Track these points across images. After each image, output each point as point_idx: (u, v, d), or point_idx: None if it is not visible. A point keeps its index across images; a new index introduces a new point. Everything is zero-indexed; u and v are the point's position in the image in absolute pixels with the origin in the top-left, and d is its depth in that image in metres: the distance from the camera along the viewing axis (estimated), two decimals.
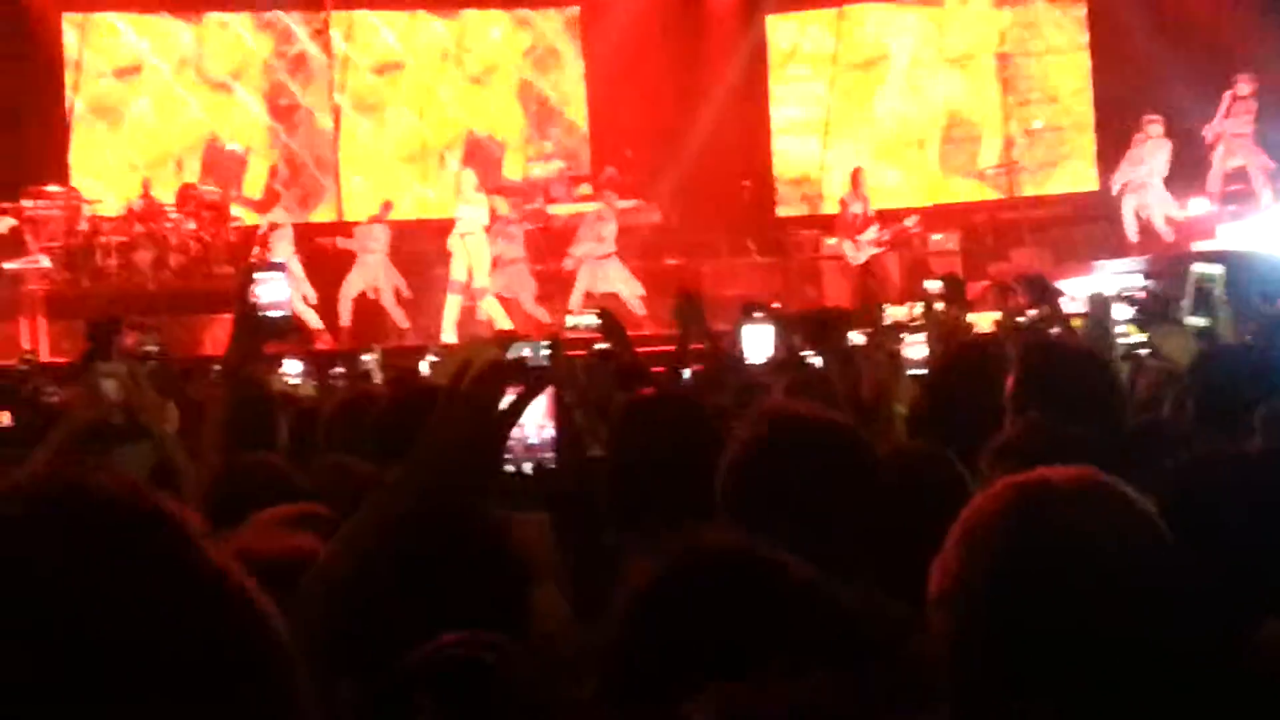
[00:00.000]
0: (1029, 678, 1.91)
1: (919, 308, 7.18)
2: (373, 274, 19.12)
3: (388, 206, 19.77)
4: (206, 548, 1.38)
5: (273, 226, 19.09)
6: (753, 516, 2.81)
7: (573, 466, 2.36)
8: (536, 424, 2.59)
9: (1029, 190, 21.60)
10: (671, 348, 7.33)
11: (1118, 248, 18.31)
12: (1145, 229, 18.45)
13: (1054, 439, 3.50)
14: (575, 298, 18.79)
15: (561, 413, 2.48)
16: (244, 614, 1.37)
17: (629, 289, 18.94)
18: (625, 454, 3.67)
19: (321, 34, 22.26)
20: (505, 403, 2.21)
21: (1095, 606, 1.91)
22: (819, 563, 2.12)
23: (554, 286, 18.92)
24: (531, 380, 2.22)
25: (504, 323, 18.43)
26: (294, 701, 1.38)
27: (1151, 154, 18.42)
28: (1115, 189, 18.80)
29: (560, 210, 20.70)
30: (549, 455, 2.63)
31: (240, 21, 22.28)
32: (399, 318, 19.07)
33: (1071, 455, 2.21)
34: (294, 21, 22.40)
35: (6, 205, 17.89)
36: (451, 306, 18.81)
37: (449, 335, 18.47)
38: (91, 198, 19.94)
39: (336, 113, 22.22)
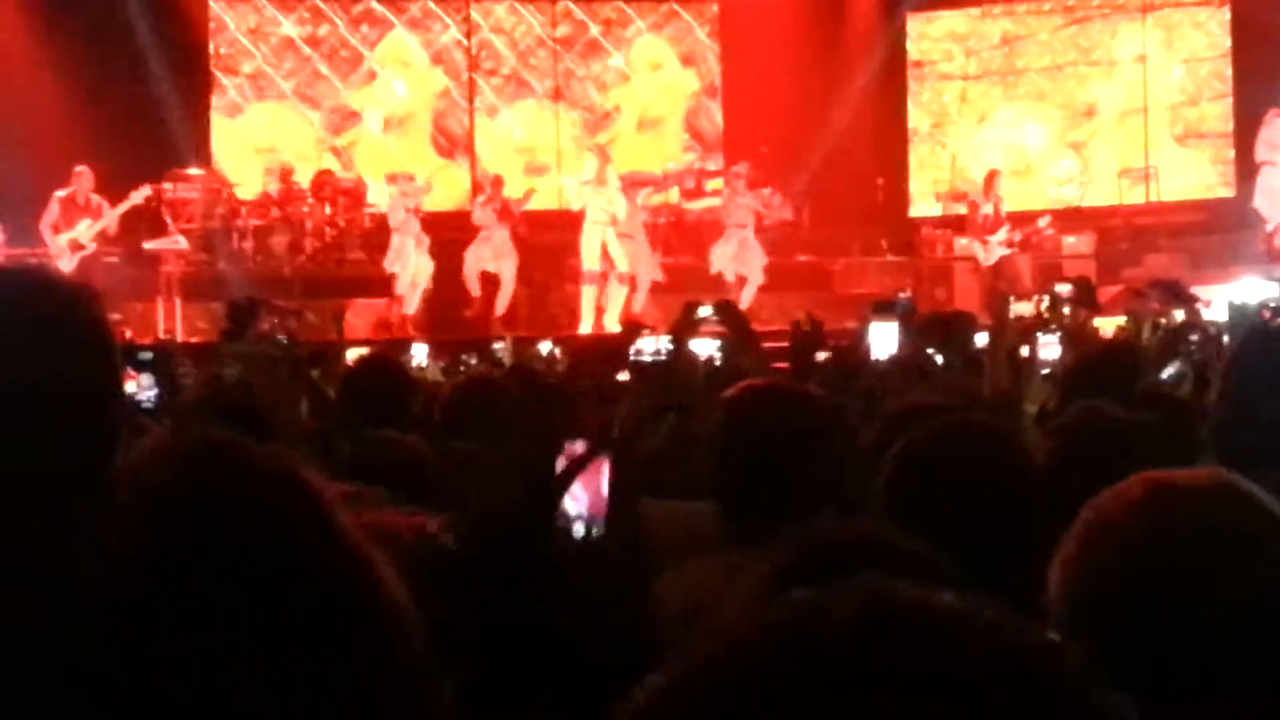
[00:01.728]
0: (1158, 681, 1.88)
1: (1046, 303, 7.11)
2: (495, 254, 19.11)
3: (529, 194, 19.81)
4: (341, 517, 1.42)
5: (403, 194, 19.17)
6: (911, 518, 2.81)
7: (624, 540, 2.30)
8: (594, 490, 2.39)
9: (1167, 196, 21.33)
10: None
11: (1255, 256, 18.01)
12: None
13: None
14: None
15: (618, 480, 2.39)
16: (370, 580, 1.40)
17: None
18: (736, 444, 3.64)
19: (464, 20, 22.41)
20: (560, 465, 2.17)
21: (1224, 609, 1.88)
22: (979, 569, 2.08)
23: (682, 279, 18.90)
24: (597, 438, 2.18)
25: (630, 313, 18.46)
26: (411, 665, 1.41)
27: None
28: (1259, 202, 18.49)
29: (693, 205, 20.72)
30: (597, 524, 2.47)
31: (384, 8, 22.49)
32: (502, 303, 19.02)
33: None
34: (434, 7, 22.56)
35: (147, 185, 18.16)
36: (586, 297, 18.88)
37: (586, 325, 18.52)
38: (232, 181, 20.27)
39: (471, 95, 22.40)
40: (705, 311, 6.55)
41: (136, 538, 1.36)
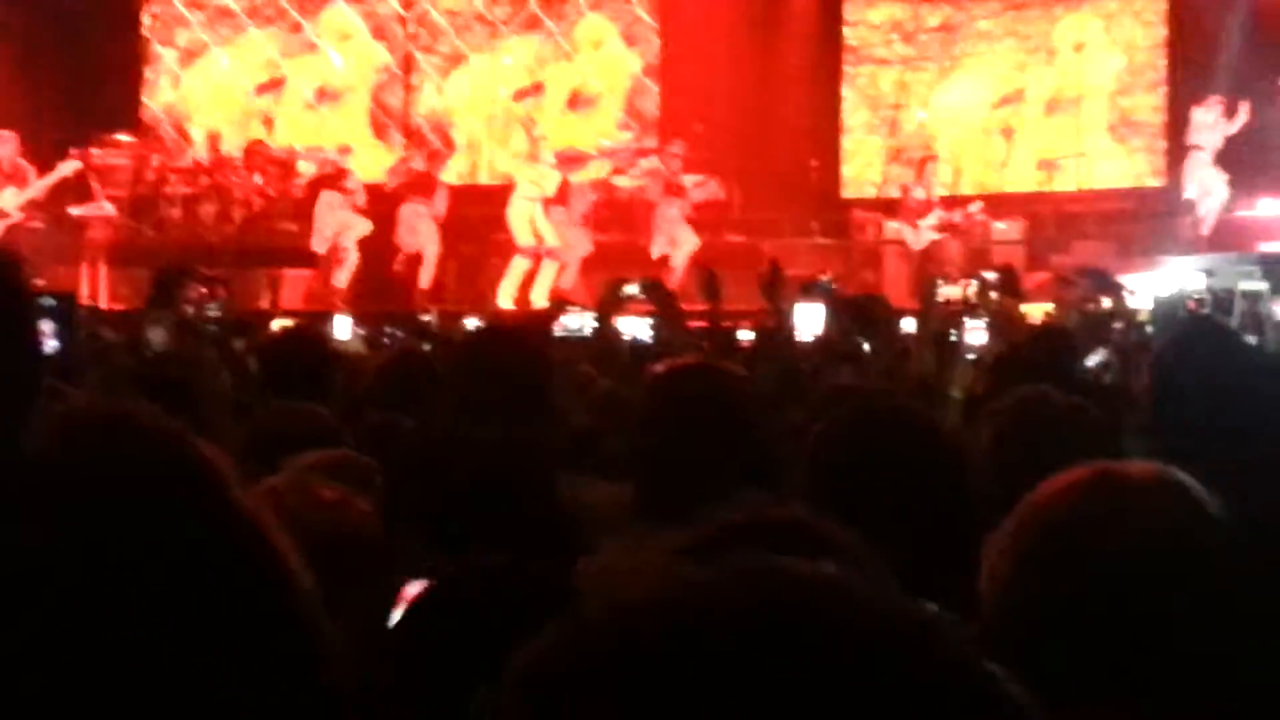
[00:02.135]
0: (1080, 667, 1.87)
1: (974, 287, 7.14)
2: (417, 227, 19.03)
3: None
4: (237, 494, 1.40)
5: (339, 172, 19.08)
6: (831, 500, 2.80)
7: None
8: None
9: (1097, 184, 21.45)
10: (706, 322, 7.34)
11: (1183, 244, 18.16)
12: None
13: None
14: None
15: None
16: (266, 560, 1.38)
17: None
18: (660, 422, 3.63)
19: None
20: None
21: (1164, 605, 1.89)
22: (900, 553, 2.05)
23: (612, 257, 18.88)
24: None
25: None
26: (310, 646, 1.39)
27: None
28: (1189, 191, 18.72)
29: (624, 182, 20.70)
30: None
31: None
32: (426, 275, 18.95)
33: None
34: None
35: (75, 152, 18.00)
36: (513, 271, 18.86)
37: (505, 300, 18.52)
38: (161, 148, 20.13)
39: (408, 69, 22.31)
40: (631, 289, 6.56)
41: (26, 514, 1.34)
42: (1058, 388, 4.27)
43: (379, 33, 22.53)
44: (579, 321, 5.87)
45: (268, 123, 21.89)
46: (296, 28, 22.35)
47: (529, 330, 4.45)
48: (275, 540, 1.40)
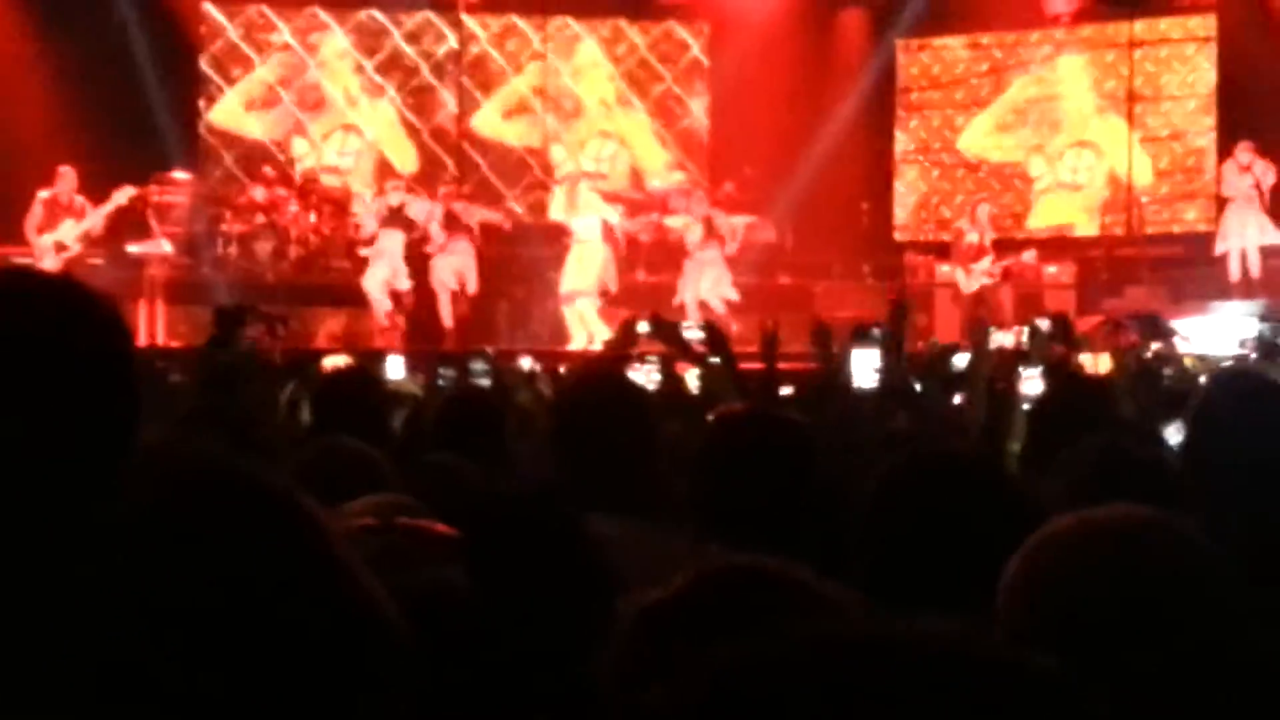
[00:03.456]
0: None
1: (1027, 334, 7.14)
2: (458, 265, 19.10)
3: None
4: (338, 541, 1.46)
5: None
6: (890, 549, 2.81)
7: None
8: None
9: (1149, 228, 21.44)
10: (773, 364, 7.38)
11: (1235, 289, 18.13)
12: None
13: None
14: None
15: None
16: (364, 603, 1.44)
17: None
18: (715, 470, 3.66)
19: (454, 26, 22.48)
20: None
21: (1146, 645, 1.89)
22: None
23: (665, 297, 18.93)
24: None
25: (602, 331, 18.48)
26: (400, 683, 1.45)
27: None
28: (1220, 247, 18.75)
29: (675, 222, 20.76)
30: None
31: (380, 16, 22.51)
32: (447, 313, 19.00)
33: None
34: (434, 18, 22.61)
35: (132, 187, 18.17)
36: (570, 313, 18.94)
37: (578, 341, 18.53)
38: (221, 185, 20.33)
39: (462, 110, 22.46)
40: (643, 329, 6.62)
41: (138, 560, 1.39)
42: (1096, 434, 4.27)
43: (437, 71, 22.68)
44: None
45: (333, 170, 22.01)
46: (357, 68, 22.53)
47: (629, 385, 4.42)
48: (374, 591, 1.46)
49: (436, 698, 2.18)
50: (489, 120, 22.74)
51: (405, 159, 22.45)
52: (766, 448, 3.61)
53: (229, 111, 22.05)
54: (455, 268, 18.76)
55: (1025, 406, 5.49)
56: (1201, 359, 8.85)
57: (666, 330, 7.01)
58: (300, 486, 3.57)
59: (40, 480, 1.69)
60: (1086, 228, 22.00)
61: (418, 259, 18.80)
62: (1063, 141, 22.50)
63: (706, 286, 19.09)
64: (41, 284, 1.93)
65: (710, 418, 4.10)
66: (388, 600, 1.48)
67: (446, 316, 18.77)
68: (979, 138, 22.90)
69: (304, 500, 1.48)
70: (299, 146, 21.97)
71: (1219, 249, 18.79)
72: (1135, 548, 1.95)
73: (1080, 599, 1.92)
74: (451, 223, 18.85)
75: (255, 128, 22.04)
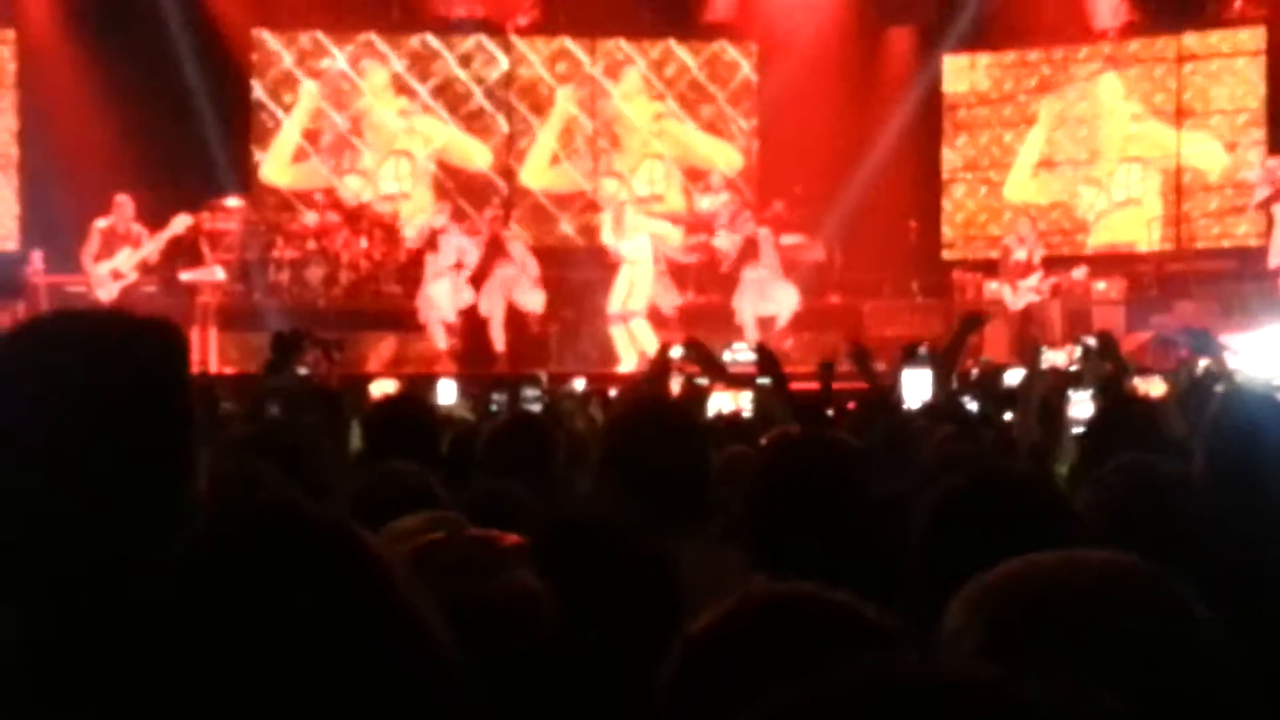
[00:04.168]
0: None
1: (1079, 352, 7.12)
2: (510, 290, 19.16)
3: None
4: (400, 581, 1.48)
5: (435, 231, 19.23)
6: (949, 572, 2.81)
7: None
8: None
9: (1199, 243, 21.38)
10: (818, 384, 7.40)
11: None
12: None
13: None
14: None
15: None
16: (425, 641, 1.46)
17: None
18: (768, 493, 3.68)
19: (509, 54, 22.59)
20: None
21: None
22: None
23: (714, 319, 18.96)
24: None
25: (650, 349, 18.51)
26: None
27: None
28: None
29: (724, 243, 20.78)
30: None
31: (434, 41, 22.61)
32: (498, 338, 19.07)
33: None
34: (487, 43, 22.71)
35: (188, 214, 18.31)
36: (619, 334, 19.00)
37: (628, 364, 18.59)
38: (273, 211, 20.46)
39: (514, 133, 22.58)
40: (676, 353, 6.65)
41: (193, 594, 1.42)
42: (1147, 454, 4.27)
43: (489, 95, 22.78)
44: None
45: (389, 198, 22.10)
46: (409, 92, 22.64)
47: (684, 407, 4.46)
48: (435, 629, 1.49)
49: (516, 702, 2.21)
50: (536, 171, 22.80)
51: (478, 159, 22.49)
52: (819, 471, 3.63)
53: (277, 166, 22.15)
54: (502, 292, 18.83)
55: (1076, 430, 5.47)
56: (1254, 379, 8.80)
57: (700, 353, 7.04)
58: (355, 511, 3.58)
59: (104, 510, 1.73)
60: (1150, 243, 21.87)
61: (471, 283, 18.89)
62: (1109, 163, 22.41)
63: (762, 304, 19.14)
64: (102, 319, 1.96)
65: (763, 441, 4.12)
66: (447, 635, 1.51)
67: (497, 341, 18.84)
68: (1022, 185, 22.82)
69: (362, 536, 1.51)
70: (353, 182, 22.06)
71: (1273, 263, 18.68)
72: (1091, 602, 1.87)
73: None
74: (496, 248, 18.94)
75: (301, 177, 22.14)
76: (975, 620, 1.89)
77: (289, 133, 22.16)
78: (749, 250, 19.48)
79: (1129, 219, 22.21)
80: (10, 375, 1.87)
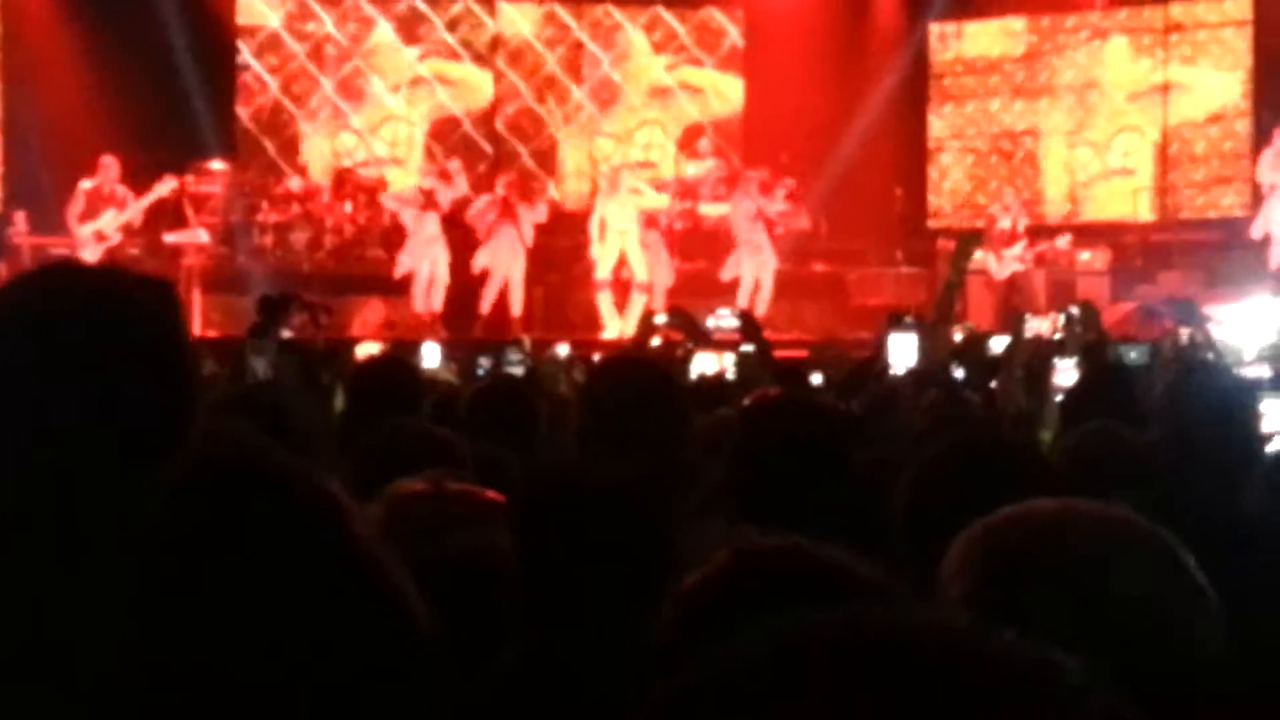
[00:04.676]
0: None
1: (1063, 320, 7.14)
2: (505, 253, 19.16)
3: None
4: (363, 530, 1.49)
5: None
6: (932, 537, 2.81)
7: None
8: None
9: (1185, 213, 21.41)
10: (803, 352, 7.43)
11: (1268, 276, 18.05)
12: None
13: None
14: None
15: None
16: (388, 600, 1.47)
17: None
18: (748, 455, 3.68)
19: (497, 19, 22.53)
20: None
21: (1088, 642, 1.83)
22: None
23: (699, 285, 18.97)
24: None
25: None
26: (423, 680, 1.48)
27: None
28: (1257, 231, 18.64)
29: (710, 210, 20.78)
30: None
31: (421, 5, 22.55)
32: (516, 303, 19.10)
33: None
34: (475, 7, 22.67)
35: (171, 176, 18.26)
36: (604, 302, 19.00)
37: (611, 330, 18.61)
38: (258, 176, 20.43)
39: (500, 97, 22.57)
40: (660, 320, 6.68)
41: (171, 545, 1.43)
42: (1125, 422, 4.29)
43: (478, 59, 22.73)
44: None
45: (384, 163, 22.06)
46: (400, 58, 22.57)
47: (661, 362, 4.48)
48: (395, 576, 1.49)
49: (478, 658, 2.22)
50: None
51: (452, 139, 22.50)
52: (800, 433, 3.64)
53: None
54: (502, 257, 18.84)
55: (1059, 397, 5.49)
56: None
57: (683, 320, 7.08)
58: (366, 466, 3.54)
59: (99, 466, 1.73)
60: (1147, 213, 21.87)
61: (460, 247, 18.87)
62: (1106, 128, 22.41)
63: (757, 270, 19.20)
64: (99, 276, 1.96)
65: (744, 403, 4.13)
66: (415, 596, 1.51)
67: (487, 304, 18.85)
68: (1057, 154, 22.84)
69: (332, 489, 1.51)
70: (346, 140, 22.02)
71: (1256, 233, 18.70)
72: (1082, 544, 1.91)
73: (1024, 599, 1.87)
74: (506, 212, 18.93)
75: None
76: (969, 561, 1.92)
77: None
78: (755, 216, 19.49)
79: (1123, 188, 22.19)
80: (11, 330, 1.87)
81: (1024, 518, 1.98)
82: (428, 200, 18.93)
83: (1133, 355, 7.33)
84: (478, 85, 22.70)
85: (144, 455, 1.70)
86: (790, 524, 3.18)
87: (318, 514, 1.46)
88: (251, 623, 1.38)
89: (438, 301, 18.74)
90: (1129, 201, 21.88)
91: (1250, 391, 4.05)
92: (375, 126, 22.31)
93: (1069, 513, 1.98)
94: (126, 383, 1.83)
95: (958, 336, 9.99)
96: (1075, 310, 7.09)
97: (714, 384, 6.73)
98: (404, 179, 21.19)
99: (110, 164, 17.77)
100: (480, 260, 18.86)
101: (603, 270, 19.17)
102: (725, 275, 19.23)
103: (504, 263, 18.87)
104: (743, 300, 18.19)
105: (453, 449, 4.13)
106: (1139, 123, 22.19)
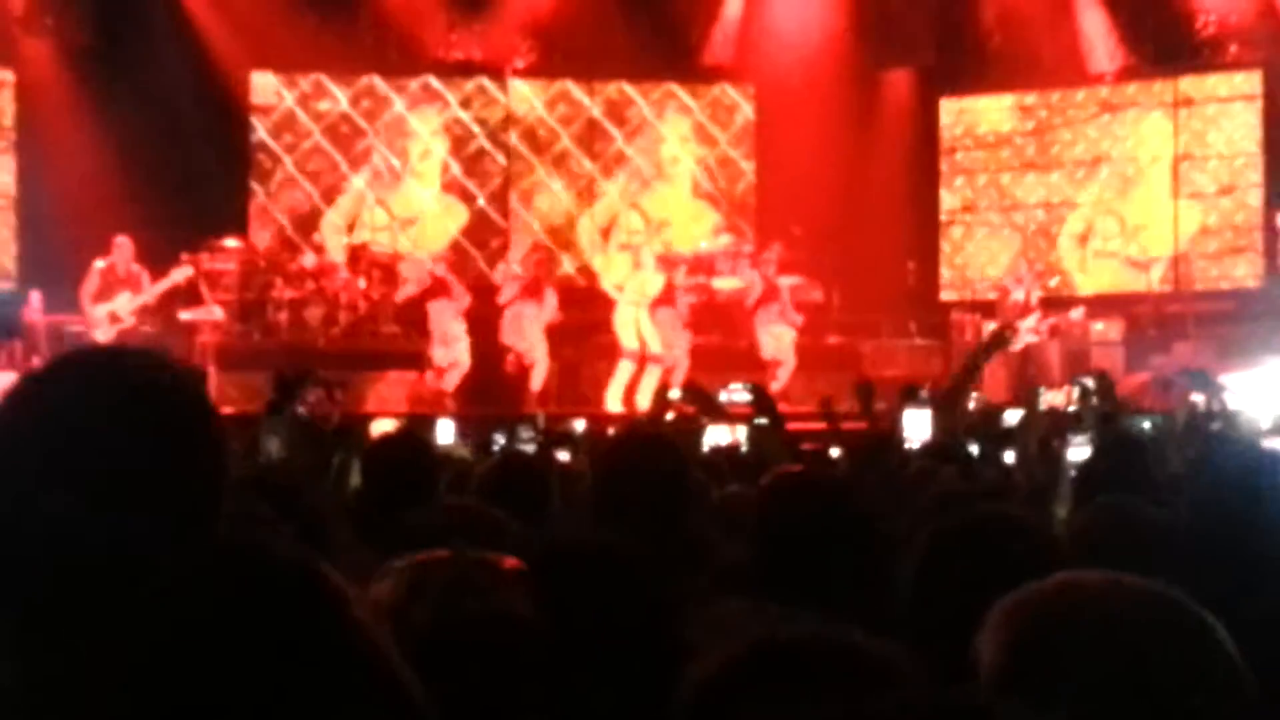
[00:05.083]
0: None
1: (1077, 393, 7.14)
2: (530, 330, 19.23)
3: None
4: (357, 612, 1.50)
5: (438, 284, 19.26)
6: (937, 606, 2.80)
7: None
8: None
9: (1198, 285, 21.43)
10: (822, 425, 7.43)
11: None
12: None
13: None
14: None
15: None
16: (381, 684, 1.47)
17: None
18: (770, 532, 3.68)
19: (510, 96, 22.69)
20: None
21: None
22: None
23: (711, 359, 18.98)
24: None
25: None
26: None
27: None
28: None
29: (724, 284, 20.82)
30: None
31: (436, 83, 22.69)
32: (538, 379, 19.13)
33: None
34: (489, 84, 22.80)
35: (187, 257, 18.33)
36: (621, 374, 19.01)
37: (615, 404, 18.62)
38: (267, 252, 20.48)
39: (514, 174, 22.68)
40: (674, 395, 6.69)
41: (164, 632, 1.44)
42: (1139, 495, 4.27)
43: (493, 138, 22.87)
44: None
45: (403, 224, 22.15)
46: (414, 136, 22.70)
47: (674, 437, 4.48)
48: (392, 660, 1.50)
49: None
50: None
51: (457, 221, 22.58)
52: (822, 510, 3.63)
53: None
54: (525, 334, 18.91)
55: (1073, 473, 5.48)
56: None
57: (698, 395, 7.08)
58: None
59: (134, 547, 1.73)
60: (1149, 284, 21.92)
61: (478, 324, 18.94)
62: (1119, 200, 22.44)
63: (775, 345, 19.24)
64: (132, 360, 1.97)
65: (764, 481, 4.12)
66: (412, 679, 1.51)
67: (536, 380, 18.89)
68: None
69: (323, 574, 1.52)
70: (377, 218, 22.16)
71: None
72: (1127, 617, 1.91)
73: (1068, 670, 1.86)
74: (535, 289, 19.05)
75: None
76: (1008, 630, 1.91)
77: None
78: (770, 293, 19.54)
79: (1123, 266, 22.23)
80: (48, 412, 1.87)
81: (1069, 588, 1.97)
82: (438, 286, 19.02)
83: (1146, 426, 7.33)
84: (491, 165, 22.83)
85: (171, 538, 1.70)
86: (813, 601, 3.19)
87: (312, 603, 1.47)
88: (245, 711, 1.39)
89: (454, 380, 18.76)
90: (1128, 279, 21.96)
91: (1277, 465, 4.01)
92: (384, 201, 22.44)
93: (1116, 586, 1.97)
94: (167, 462, 1.84)
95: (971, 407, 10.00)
96: (1089, 381, 7.09)
97: (728, 456, 6.74)
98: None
99: (124, 244, 17.81)
100: (508, 338, 18.93)
101: (629, 342, 19.17)
102: (765, 352, 19.30)
103: (527, 339, 18.93)
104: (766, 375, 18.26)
105: (500, 526, 4.12)
106: (1149, 194, 22.23)
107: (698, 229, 22.90)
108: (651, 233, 22.56)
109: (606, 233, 22.94)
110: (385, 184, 22.52)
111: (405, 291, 19.69)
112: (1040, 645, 1.89)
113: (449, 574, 2.45)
